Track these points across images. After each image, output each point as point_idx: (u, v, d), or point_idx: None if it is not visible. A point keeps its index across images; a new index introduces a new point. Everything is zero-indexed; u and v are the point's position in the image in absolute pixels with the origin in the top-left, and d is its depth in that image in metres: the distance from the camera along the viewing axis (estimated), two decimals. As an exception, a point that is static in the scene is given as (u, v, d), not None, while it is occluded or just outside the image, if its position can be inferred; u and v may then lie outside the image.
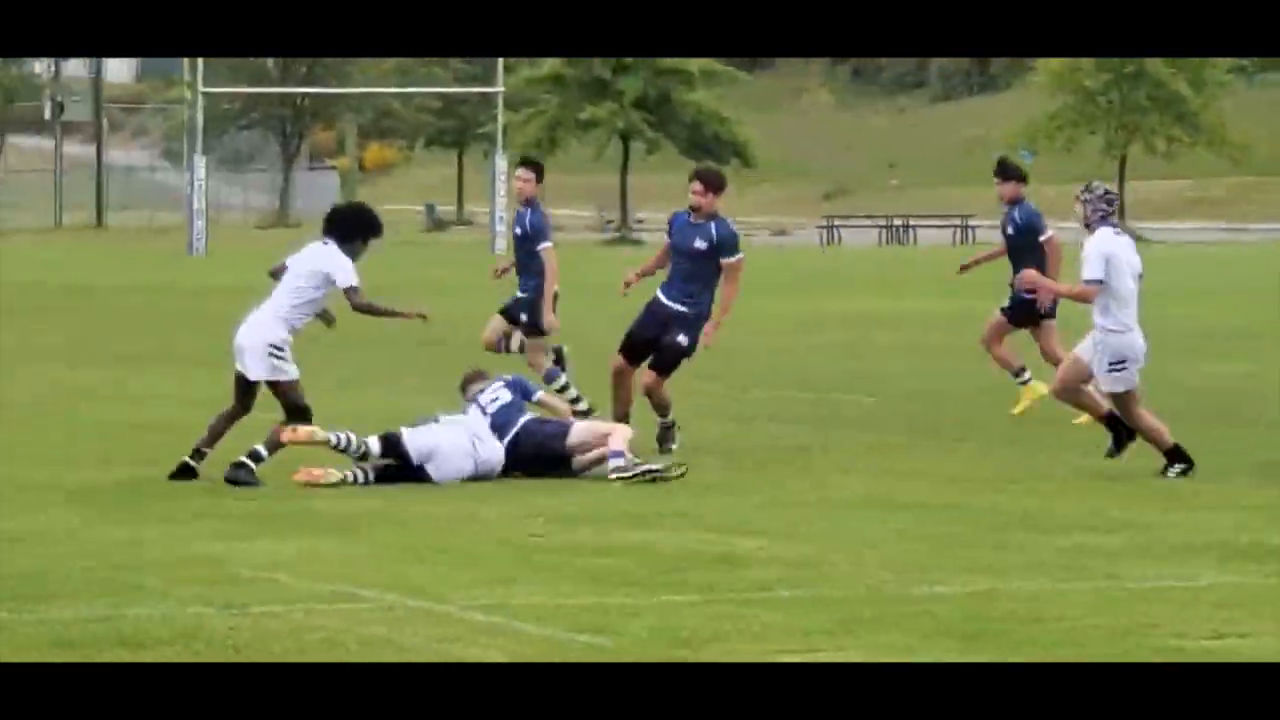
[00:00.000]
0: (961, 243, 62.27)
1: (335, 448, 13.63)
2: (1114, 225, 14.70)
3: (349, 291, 13.76)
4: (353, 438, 13.68)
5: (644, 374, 15.71)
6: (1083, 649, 8.39)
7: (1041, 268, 17.23)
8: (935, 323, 29.59)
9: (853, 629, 8.84)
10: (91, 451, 15.58)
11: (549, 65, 72.79)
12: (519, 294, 17.49)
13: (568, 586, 10.16)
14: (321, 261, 13.84)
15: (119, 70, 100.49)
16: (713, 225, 15.72)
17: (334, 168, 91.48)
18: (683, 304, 15.64)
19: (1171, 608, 9.49)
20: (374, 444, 13.75)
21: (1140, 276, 14.56)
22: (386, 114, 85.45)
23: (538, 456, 14.23)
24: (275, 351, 13.56)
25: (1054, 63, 67.70)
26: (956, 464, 15.48)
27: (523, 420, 14.34)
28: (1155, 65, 65.93)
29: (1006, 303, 18.27)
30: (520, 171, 18.04)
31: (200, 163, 62.20)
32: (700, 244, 15.61)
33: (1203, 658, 8.15)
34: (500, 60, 62.68)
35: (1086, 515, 12.70)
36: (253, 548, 11.27)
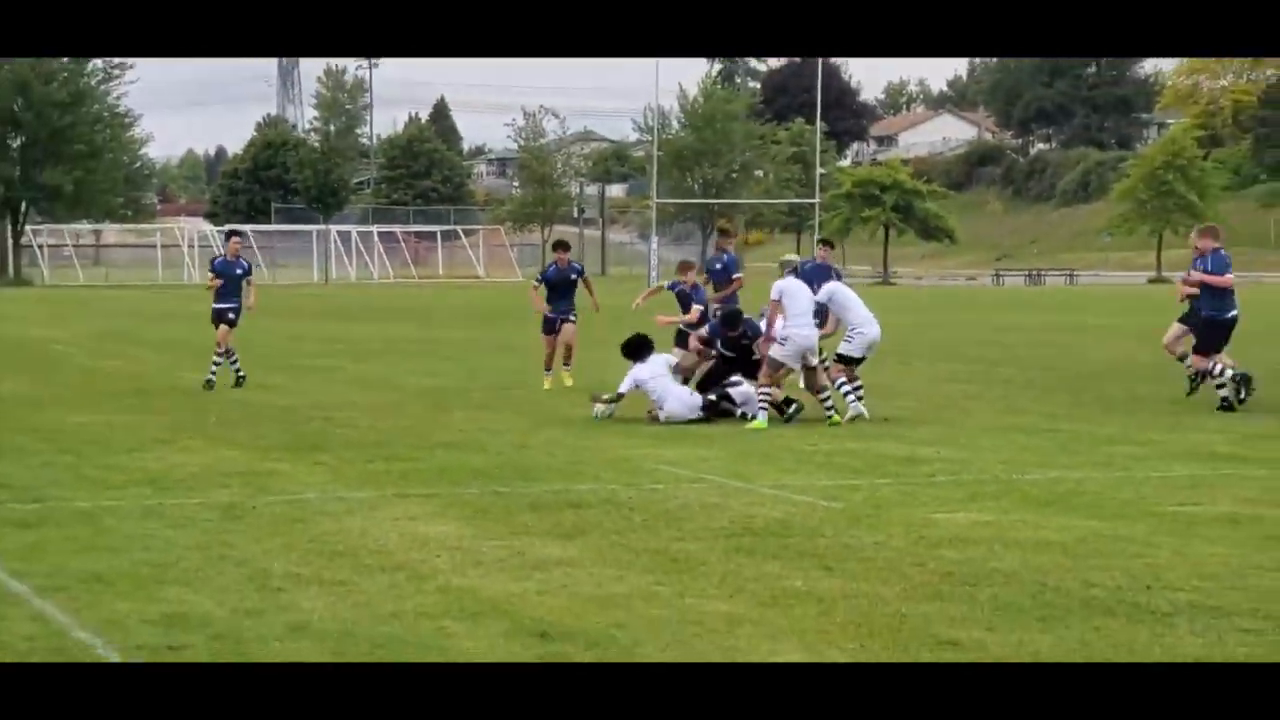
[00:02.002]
0: (1070, 285, 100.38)
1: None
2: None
3: None
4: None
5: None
6: (1102, 510, 15.09)
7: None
8: (1060, 329, 38.31)
9: (977, 499, 15.68)
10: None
11: (846, 187, 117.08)
12: None
13: (821, 474, 17.44)
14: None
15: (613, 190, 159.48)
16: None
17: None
18: None
19: (1161, 489, 16.33)
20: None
21: None
22: (758, 215, 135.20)
23: None
24: None
25: (1123, 185, 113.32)
26: (1058, 407, 23.57)
27: None
28: (1179, 185, 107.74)
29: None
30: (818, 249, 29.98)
31: (654, 241, 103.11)
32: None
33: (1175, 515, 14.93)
34: (818, 180, 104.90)
35: (1125, 433, 20.05)
36: (653, 451, 18.96)
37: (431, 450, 19.23)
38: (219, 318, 28.02)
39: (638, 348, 22.75)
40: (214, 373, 27.50)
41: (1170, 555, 12.68)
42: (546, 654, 9.63)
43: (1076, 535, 13.53)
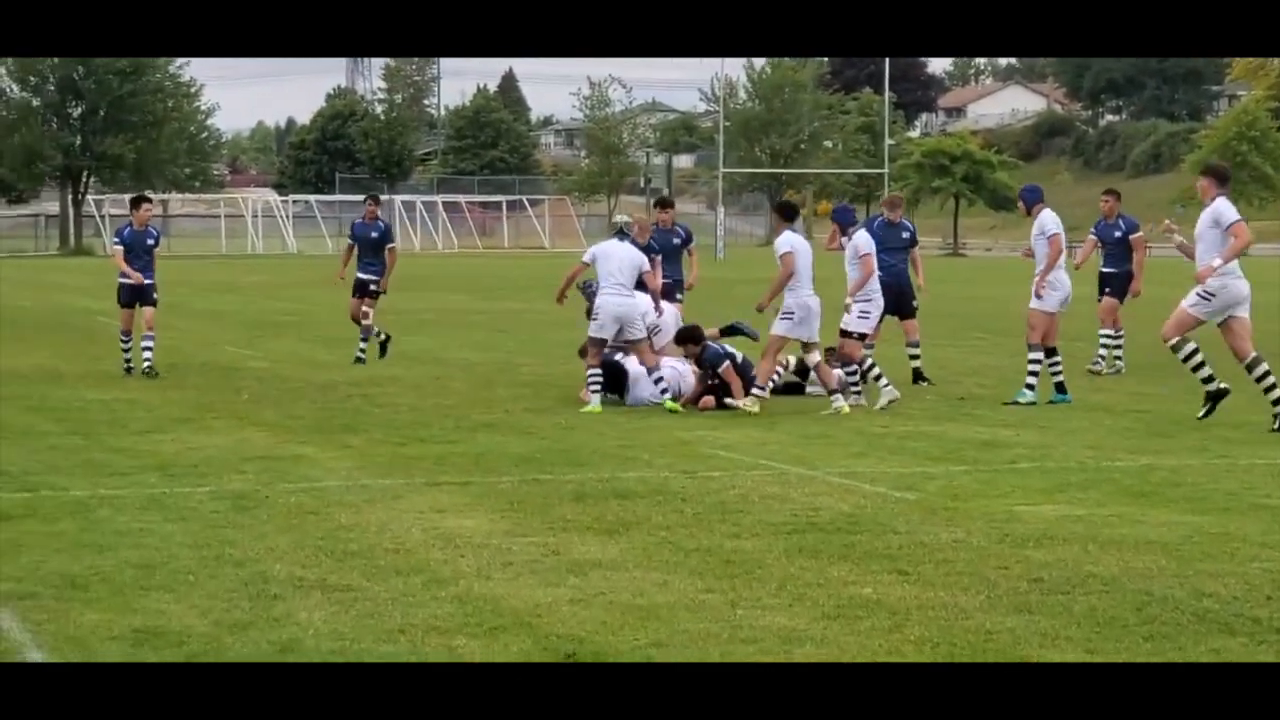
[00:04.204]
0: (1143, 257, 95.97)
1: None
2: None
3: None
4: None
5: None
6: (1206, 503, 13.44)
7: None
8: (1135, 302, 36.63)
9: (1064, 490, 14.18)
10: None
11: (915, 157, 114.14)
12: None
13: (893, 460, 15.95)
14: None
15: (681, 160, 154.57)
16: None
17: (801, 213, 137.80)
18: None
19: (1269, 479, 14.76)
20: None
21: None
22: (826, 185, 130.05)
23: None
24: None
25: (1194, 156, 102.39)
26: (1142, 384, 22.63)
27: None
28: (1253, 156, 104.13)
29: None
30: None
31: (721, 211, 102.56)
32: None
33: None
34: (886, 150, 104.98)
35: (1219, 414, 18.52)
36: (710, 434, 17.50)
37: (471, 432, 17.86)
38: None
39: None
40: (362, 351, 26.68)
41: (1290, 558, 11.19)
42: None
43: (1180, 534, 12.02)
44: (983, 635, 9.12)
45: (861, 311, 20.43)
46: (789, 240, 20.07)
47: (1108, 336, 24.50)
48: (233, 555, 11.31)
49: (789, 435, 17.70)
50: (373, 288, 26.91)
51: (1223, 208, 18.04)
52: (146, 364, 24.03)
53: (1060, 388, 20.64)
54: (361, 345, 26.47)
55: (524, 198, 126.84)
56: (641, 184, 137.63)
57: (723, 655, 8.74)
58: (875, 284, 20.56)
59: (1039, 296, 20.46)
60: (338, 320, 34.44)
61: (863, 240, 20.65)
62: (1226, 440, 17.11)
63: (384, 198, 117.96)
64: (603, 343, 20.09)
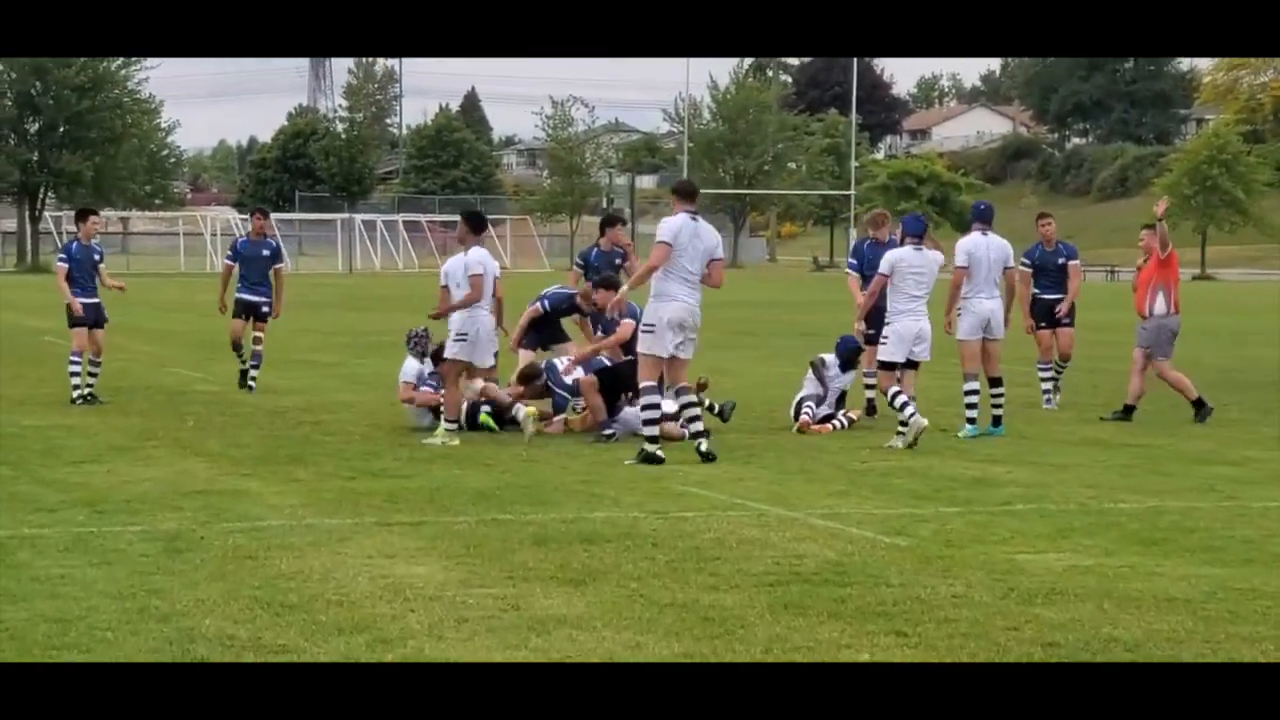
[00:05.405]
0: (1110, 280, 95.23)
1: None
2: None
3: None
4: None
5: None
6: (1224, 553, 12.34)
7: None
8: (1107, 327, 35.52)
9: (1067, 535, 13.07)
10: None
11: (881, 179, 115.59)
12: None
13: (878, 499, 14.87)
14: None
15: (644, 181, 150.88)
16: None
17: (764, 235, 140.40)
18: None
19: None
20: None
21: None
22: (790, 207, 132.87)
23: None
24: None
25: (1166, 179, 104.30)
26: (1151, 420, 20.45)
27: None
28: (1224, 180, 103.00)
29: None
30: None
31: None
32: None
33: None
34: (853, 171, 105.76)
35: (1217, 450, 17.43)
36: (681, 470, 16.37)
37: (427, 464, 16.75)
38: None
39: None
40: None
41: (1327, 619, 10.14)
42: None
43: (1202, 590, 10.96)
44: (1000, 713, 8.03)
45: (881, 338, 19.28)
46: (479, 259, 19.00)
47: (1057, 367, 23.25)
48: (158, 609, 10.18)
49: (766, 471, 16.62)
50: (265, 310, 24.80)
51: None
52: (89, 390, 22.83)
53: (996, 420, 19.67)
54: (254, 372, 24.64)
55: (486, 217, 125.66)
56: (604, 204, 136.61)
57: (705, 734, 7.66)
58: (902, 304, 18.96)
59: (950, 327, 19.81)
60: (290, 343, 33.29)
61: (882, 260, 19.36)
62: (1233, 480, 16.07)
63: (344, 217, 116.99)
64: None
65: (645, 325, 17.47)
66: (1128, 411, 21.19)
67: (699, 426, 17.43)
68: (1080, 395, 23.96)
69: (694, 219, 17.54)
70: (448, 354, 18.78)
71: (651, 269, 17.48)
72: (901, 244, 19.26)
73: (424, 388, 19.82)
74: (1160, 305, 21.20)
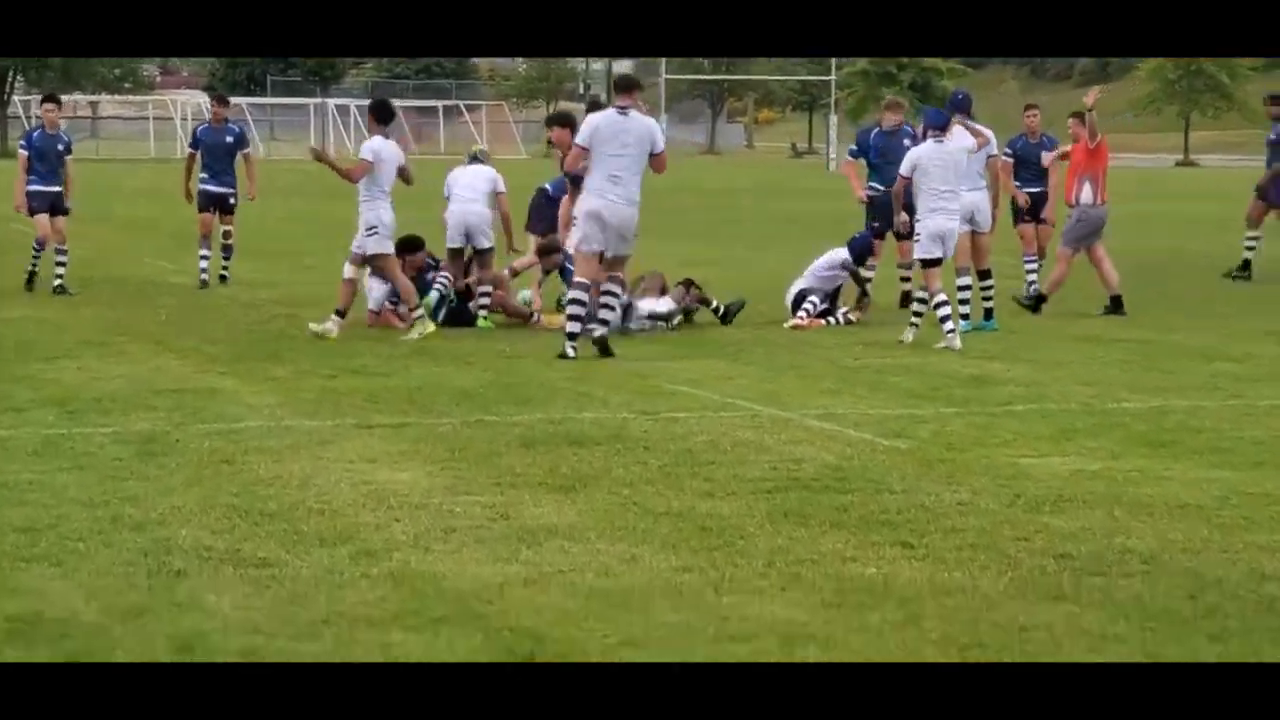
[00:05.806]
0: None
1: None
2: None
3: None
4: None
5: None
6: (1234, 455, 11.88)
7: None
8: None
9: (1071, 437, 12.65)
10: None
11: (861, 64, 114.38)
12: None
13: (874, 399, 14.45)
14: None
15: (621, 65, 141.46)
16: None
17: (742, 121, 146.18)
18: None
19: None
20: None
21: None
22: (770, 92, 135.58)
23: None
24: None
25: (1150, 63, 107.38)
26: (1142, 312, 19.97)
27: None
28: (1209, 64, 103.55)
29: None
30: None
31: (664, 119, 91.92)
32: None
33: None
34: (833, 62, 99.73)
35: (1217, 345, 17.26)
36: (669, 367, 15.93)
37: (406, 362, 16.31)
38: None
39: None
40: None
41: (1349, 527, 9.76)
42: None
43: (1214, 494, 10.57)
44: (1017, 634, 7.65)
45: (915, 235, 18.60)
46: (372, 147, 18.48)
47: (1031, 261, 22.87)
48: (132, 517, 9.75)
49: (755, 368, 16.20)
50: (231, 201, 24.29)
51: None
52: (58, 281, 22.32)
53: (987, 314, 19.41)
54: (225, 263, 24.28)
55: (460, 103, 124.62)
56: (580, 90, 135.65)
57: (709, 656, 7.28)
58: (931, 202, 18.17)
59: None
60: (266, 231, 32.77)
61: (903, 160, 18.71)
62: (1236, 378, 15.70)
63: (316, 101, 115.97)
64: (458, 252, 19.84)
65: (572, 220, 17.49)
66: (1115, 303, 20.85)
67: (600, 329, 17.01)
68: (1065, 289, 23.38)
69: (623, 113, 17.14)
70: (370, 251, 18.29)
71: (568, 172, 17.99)
72: (924, 138, 18.65)
73: (398, 308, 19.18)
74: (1087, 194, 20.89)
